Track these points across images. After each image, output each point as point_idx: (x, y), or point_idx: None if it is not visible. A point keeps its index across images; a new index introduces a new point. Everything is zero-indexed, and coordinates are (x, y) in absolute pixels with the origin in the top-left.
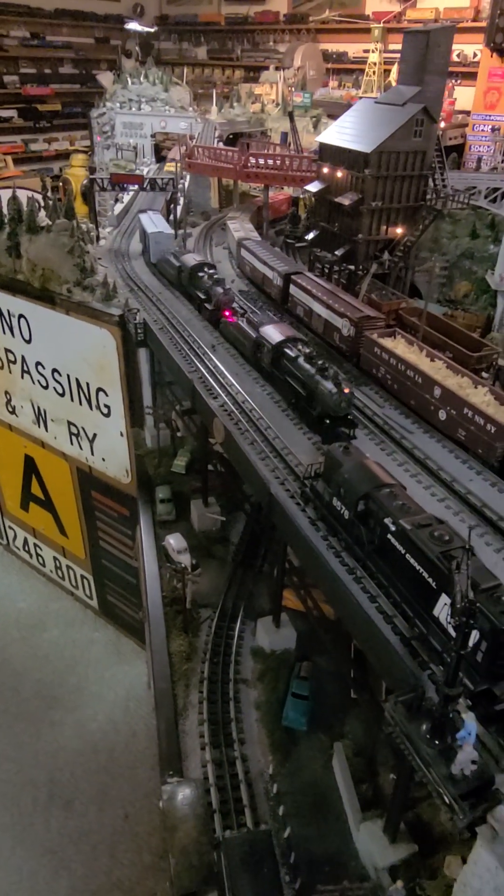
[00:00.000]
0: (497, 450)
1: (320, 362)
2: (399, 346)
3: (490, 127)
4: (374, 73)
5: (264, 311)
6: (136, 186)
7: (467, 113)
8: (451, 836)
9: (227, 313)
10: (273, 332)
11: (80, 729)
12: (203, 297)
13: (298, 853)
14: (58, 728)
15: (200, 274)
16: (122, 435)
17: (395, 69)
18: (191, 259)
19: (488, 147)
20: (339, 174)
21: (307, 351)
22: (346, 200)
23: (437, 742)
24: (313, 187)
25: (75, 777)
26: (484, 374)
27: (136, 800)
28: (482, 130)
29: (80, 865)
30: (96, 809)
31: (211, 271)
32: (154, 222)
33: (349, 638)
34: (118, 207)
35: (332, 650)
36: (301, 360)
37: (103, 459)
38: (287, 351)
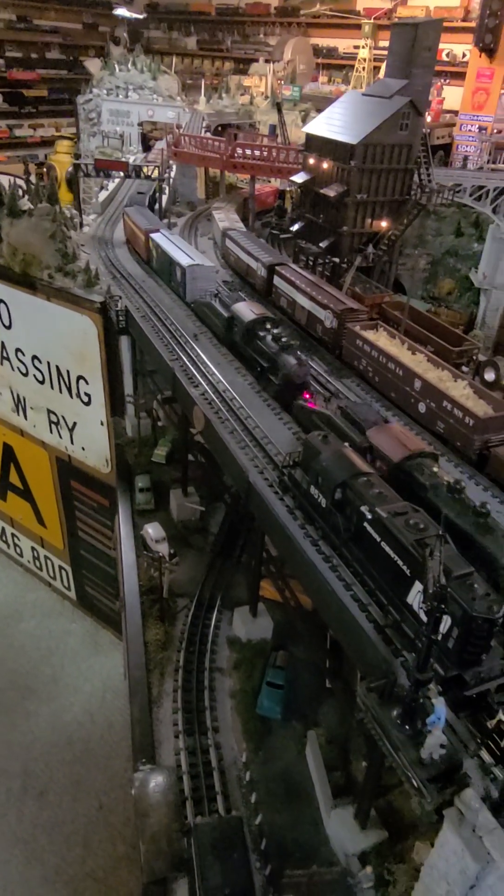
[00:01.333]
0: (475, 443)
1: (284, 340)
2: (381, 338)
3: (477, 127)
4: (363, 69)
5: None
6: (121, 174)
7: (455, 113)
8: (421, 823)
9: (306, 396)
10: (245, 311)
11: (56, 720)
12: (265, 364)
13: (270, 840)
14: (33, 719)
15: (262, 333)
16: (102, 424)
17: (384, 66)
18: (247, 311)
19: (475, 147)
20: (325, 165)
21: (275, 331)
22: (331, 192)
23: (407, 727)
24: (299, 178)
25: (49, 768)
26: (464, 369)
27: (111, 790)
28: (469, 130)
29: (54, 856)
30: (70, 800)
31: (276, 330)
32: (184, 250)
33: (325, 628)
34: (103, 195)
35: (308, 640)
36: (269, 338)
37: (83, 448)
38: (258, 331)
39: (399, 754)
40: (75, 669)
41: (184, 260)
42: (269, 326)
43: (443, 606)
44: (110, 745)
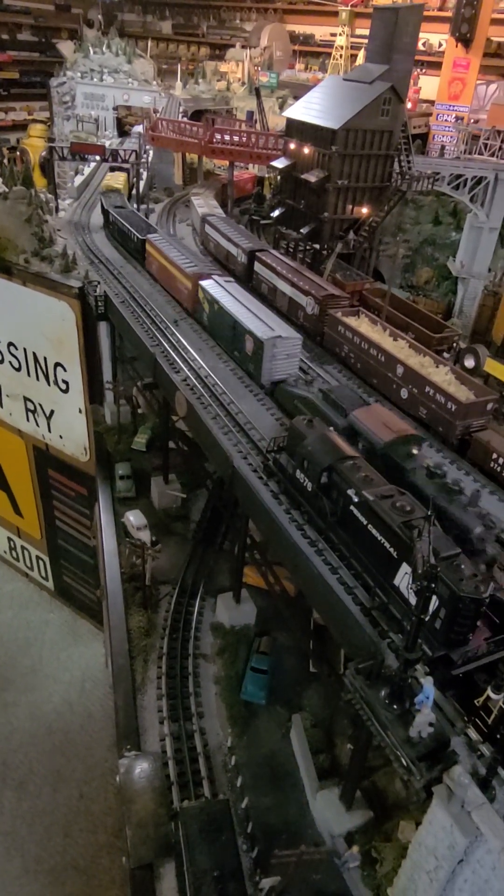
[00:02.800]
0: (457, 428)
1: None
2: (363, 325)
3: (454, 117)
4: (340, 56)
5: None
6: (98, 157)
7: (432, 102)
8: (406, 802)
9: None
10: (374, 423)
11: (35, 710)
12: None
13: (256, 823)
14: (11, 710)
15: (412, 466)
16: (80, 412)
17: (361, 54)
18: (376, 423)
19: (451, 137)
20: (306, 150)
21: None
22: (312, 177)
23: (395, 707)
24: (279, 163)
25: (29, 758)
26: (445, 355)
27: (92, 780)
28: (446, 120)
29: (34, 846)
30: (50, 790)
31: (440, 470)
32: (254, 310)
33: (309, 612)
34: (78, 180)
35: (291, 625)
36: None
37: (61, 437)
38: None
39: (388, 733)
40: (54, 659)
41: (259, 329)
42: (415, 451)
43: (433, 586)
44: (90, 734)
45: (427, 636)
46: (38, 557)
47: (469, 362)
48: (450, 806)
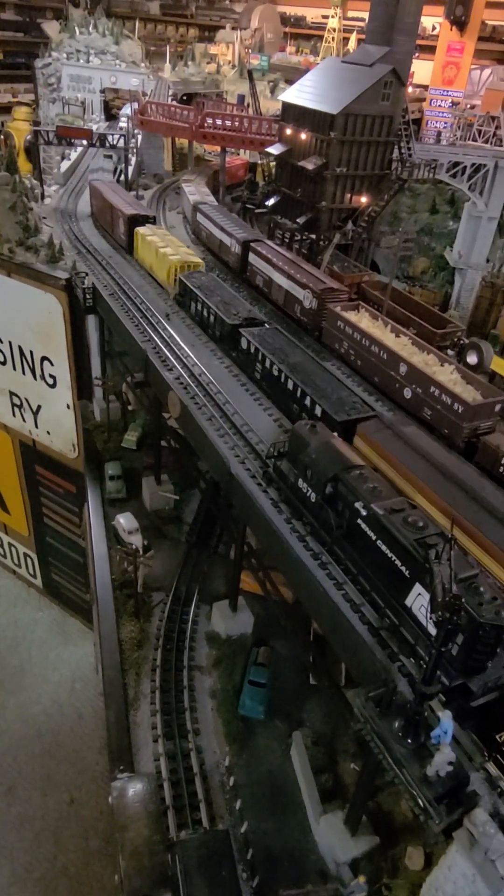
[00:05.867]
0: (463, 430)
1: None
2: (363, 320)
3: (449, 102)
4: (332, 39)
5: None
6: (85, 142)
7: (425, 87)
8: (414, 826)
9: None
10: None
11: (23, 712)
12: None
13: (256, 849)
14: None
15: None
16: (68, 407)
17: (353, 37)
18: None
19: (445, 123)
20: (303, 136)
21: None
22: (309, 165)
23: (409, 741)
24: (275, 150)
25: (18, 762)
26: (449, 352)
27: (83, 784)
28: (440, 105)
29: (24, 853)
30: (40, 795)
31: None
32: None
33: (308, 622)
34: (65, 165)
35: (290, 634)
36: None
37: (48, 433)
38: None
39: (403, 771)
40: (43, 659)
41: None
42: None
43: (455, 619)
44: (80, 737)
45: (443, 663)
46: (25, 554)
47: (472, 358)
48: (472, 854)
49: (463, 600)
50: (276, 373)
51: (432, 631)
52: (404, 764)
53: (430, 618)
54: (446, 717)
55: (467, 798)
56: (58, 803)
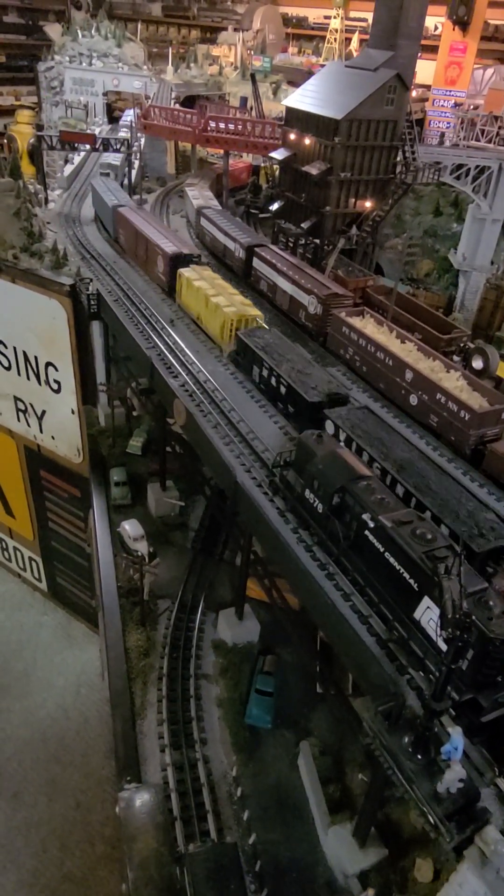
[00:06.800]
0: (470, 438)
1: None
2: (368, 325)
3: (452, 103)
4: (335, 40)
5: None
6: (88, 146)
7: (427, 87)
8: (423, 837)
9: None
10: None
11: (29, 717)
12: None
13: (264, 860)
14: (4, 717)
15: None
16: (73, 412)
17: (355, 38)
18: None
19: (448, 124)
20: (307, 141)
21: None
22: (313, 170)
23: (419, 756)
24: (279, 155)
25: (24, 767)
26: (455, 358)
27: (89, 788)
28: (442, 106)
29: (30, 858)
30: (46, 800)
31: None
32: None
33: (315, 629)
34: (68, 169)
35: (296, 642)
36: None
37: (53, 437)
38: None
39: (413, 787)
40: (48, 663)
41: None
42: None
43: (466, 636)
44: (86, 741)
45: (453, 678)
46: (30, 558)
47: (477, 363)
48: (484, 872)
49: (473, 617)
50: (377, 471)
51: (442, 646)
52: (415, 780)
53: (441, 635)
54: (457, 734)
55: (478, 815)
56: (64, 808)
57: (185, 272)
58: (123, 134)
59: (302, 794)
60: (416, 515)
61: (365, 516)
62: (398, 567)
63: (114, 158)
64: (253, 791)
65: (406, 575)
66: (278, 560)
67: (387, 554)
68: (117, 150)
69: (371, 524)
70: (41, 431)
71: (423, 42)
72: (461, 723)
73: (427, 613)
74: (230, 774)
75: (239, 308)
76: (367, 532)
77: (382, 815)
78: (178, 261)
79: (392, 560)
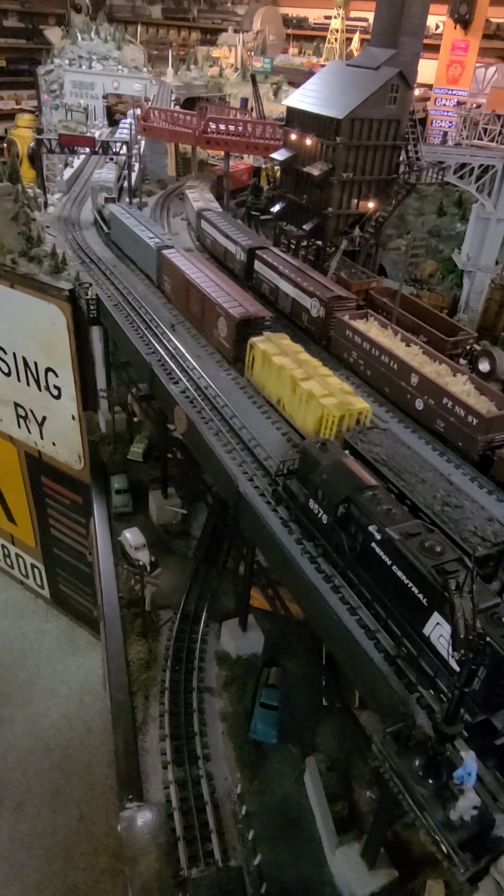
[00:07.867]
0: (478, 443)
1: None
2: (372, 328)
3: (454, 102)
4: (335, 40)
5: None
6: (87, 150)
7: (429, 86)
8: (433, 859)
9: None
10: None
11: (32, 726)
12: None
13: (270, 882)
14: (7, 726)
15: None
16: (73, 418)
17: (356, 37)
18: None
19: (450, 123)
20: (309, 142)
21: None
22: (315, 170)
23: (430, 781)
24: (280, 155)
25: (27, 777)
26: (461, 361)
27: (92, 799)
28: (444, 105)
29: (33, 871)
30: (49, 811)
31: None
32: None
33: (320, 641)
34: (68, 172)
35: (301, 654)
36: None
37: (54, 444)
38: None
39: (425, 815)
40: (51, 671)
41: None
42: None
43: (480, 659)
44: (90, 750)
45: (466, 699)
46: (32, 565)
47: (484, 366)
48: None
49: (488, 638)
50: None
51: (454, 665)
52: (426, 807)
53: (453, 655)
54: (470, 759)
55: (493, 843)
56: (67, 819)
57: (260, 344)
58: (123, 133)
59: (308, 812)
60: (423, 527)
61: (371, 528)
62: (406, 581)
63: (106, 175)
64: (258, 809)
65: (414, 589)
66: (282, 572)
67: (394, 567)
68: (117, 153)
69: (378, 536)
70: (42, 438)
71: (425, 41)
72: (474, 745)
73: (437, 630)
74: (234, 792)
75: (341, 399)
76: (373, 544)
77: (392, 834)
78: (248, 326)
79: (400, 574)
